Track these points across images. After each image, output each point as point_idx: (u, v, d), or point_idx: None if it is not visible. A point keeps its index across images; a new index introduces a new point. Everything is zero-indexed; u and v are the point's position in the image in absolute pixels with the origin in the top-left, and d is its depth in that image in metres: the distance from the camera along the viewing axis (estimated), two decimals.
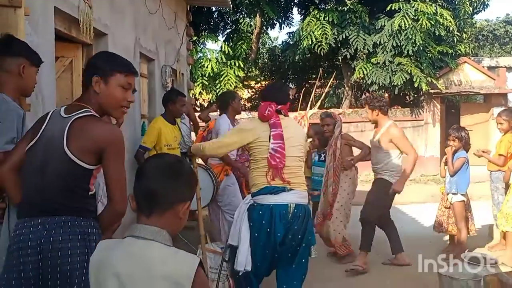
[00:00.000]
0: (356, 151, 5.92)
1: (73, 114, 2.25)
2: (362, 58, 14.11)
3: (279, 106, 3.68)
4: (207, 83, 13.31)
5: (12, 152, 2.32)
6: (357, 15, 13.69)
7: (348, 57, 14.08)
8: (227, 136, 3.87)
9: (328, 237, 5.50)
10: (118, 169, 2.26)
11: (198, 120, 6.78)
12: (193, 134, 6.82)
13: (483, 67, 15.22)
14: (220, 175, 5.35)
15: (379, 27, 13.39)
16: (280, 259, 3.60)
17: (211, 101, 13.60)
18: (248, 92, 19.21)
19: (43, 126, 2.26)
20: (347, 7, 13.81)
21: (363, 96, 16.71)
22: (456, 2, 14.17)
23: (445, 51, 13.79)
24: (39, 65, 2.74)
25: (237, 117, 5.85)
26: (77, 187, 2.23)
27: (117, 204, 2.26)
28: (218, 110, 6.42)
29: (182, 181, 1.72)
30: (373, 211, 5.28)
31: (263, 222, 3.52)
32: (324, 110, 7.12)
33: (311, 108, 11.80)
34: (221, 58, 13.49)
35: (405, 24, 12.65)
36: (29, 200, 2.22)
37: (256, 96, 19.09)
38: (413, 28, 12.64)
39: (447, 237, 5.97)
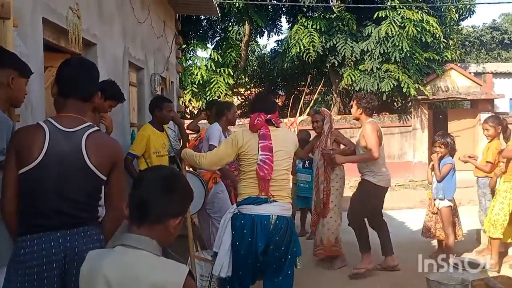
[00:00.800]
0: None
1: (79, 128, 2.30)
2: (350, 65, 14.22)
3: (269, 116, 3.74)
4: (197, 91, 13.35)
5: (8, 186, 2.25)
6: (344, 23, 13.81)
7: (336, 64, 14.18)
8: (220, 149, 3.87)
9: (319, 238, 5.51)
10: (122, 178, 2.45)
11: (188, 131, 6.77)
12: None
13: (470, 73, 15.43)
14: (209, 183, 5.36)
15: (366, 35, 13.53)
16: (265, 269, 3.65)
17: (201, 108, 13.62)
18: (238, 99, 19.26)
19: (46, 145, 2.22)
20: (335, 15, 13.94)
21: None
22: (442, 9, 14.34)
23: (431, 58, 13.95)
24: (29, 76, 2.74)
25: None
26: (94, 198, 2.36)
27: (121, 210, 2.36)
28: (207, 118, 6.46)
29: (176, 196, 1.74)
30: (358, 214, 5.31)
31: (245, 231, 3.58)
32: (314, 108, 7.19)
33: (300, 115, 11.88)
34: (211, 66, 13.54)
35: (392, 31, 12.79)
36: (43, 216, 2.21)
37: (246, 103, 19.15)
38: (400, 35, 12.78)
39: (435, 242, 6.02)
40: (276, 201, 3.63)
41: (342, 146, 5.84)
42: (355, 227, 5.36)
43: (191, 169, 5.49)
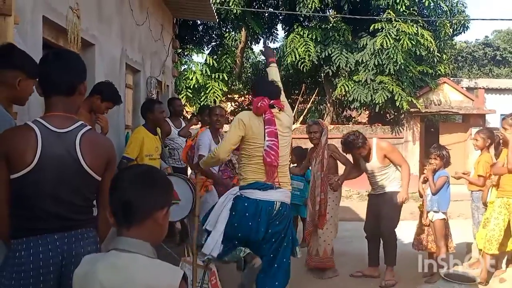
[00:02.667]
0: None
1: (72, 129, 2.23)
2: (344, 75, 14.28)
3: (272, 101, 3.74)
4: (191, 95, 13.32)
5: (0, 191, 2.17)
6: (340, 33, 13.88)
7: (331, 74, 14.24)
8: (230, 134, 3.78)
9: (314, 249, 5.48)
10: None
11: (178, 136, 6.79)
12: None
13: (462, 87, 15.56)
14: (201, 190, 5.33)
15: (361, 46, 13.59)
16: (262, 256, 3.66)
17: (194, 113, 13.58)
18: (232, 105, 19.25)
19: (39, 148, 2.13)
20: (331, 25, 14.01)
21: (344, 118, 16.92)
22: (437, 24, 14.48)
23: (425, 71, 14.06)
24: (37, 77, 2.70)
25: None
26: (90, 200, 2.31)
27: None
28: (200, 123, 6.47)
29: (158, 188, 1.72)
30: (393, 224, 5.42)
31: (247, 214, 3.60)
32: (312, 119, 7.18)
33: (293, 123, 11.86)
34: (206, 71, 13.53)
35: (387, 43, 12.87)
36: (40, 220, 2.16)
37: (239, 109, 19.13)
38: (394, 48, 12.87)
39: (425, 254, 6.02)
40: (280, 188, 3.66)
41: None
42: (389, 238, 5.43)
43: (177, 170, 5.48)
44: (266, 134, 3.63)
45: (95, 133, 2.44)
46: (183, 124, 6.92)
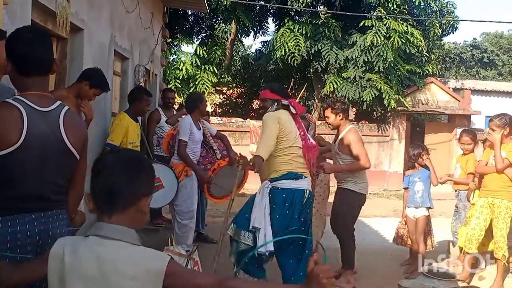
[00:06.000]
0: None
1: (54, 107, 2.21)
2: (333, 72, 14.30)
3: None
4: (180, 86, 13.26)
5: None
6: (330, 29, 13.88)
7: (320, 70, 14.25)
8: (266, 133, 3.96)
9: None
10: (86, 159, 2.39)
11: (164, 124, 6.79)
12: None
13: (449, 88, 15.70)
14: (181, 175, 5.32)
15: (351, 43, 13.62)
16: (290, 246, 3.94)
17: (182, 104, 13.54)
18: (220, 97, 19.20)
19: (25, 127, 2.07)
20: (321, 20, 14.02)
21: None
22: (426, 24, 14.57)
23: (413, 70, 14.14)
24: None
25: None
26: (68, 180, 2.30)
27: (82, 191, 2.40)
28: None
29: (143, 175, 1.68)
30: (345, 225, 5.08)
31: (286, 204, 3.88)
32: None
33: None
34: (195, 61, 13.47)
35: (377, 40, 12.91)
36: (22, 200, 2.13)
37: (227, 102, 19.09)
38: (384, 45, 12.92)
39: (407, 249, 6.08)
40: (306, 177, 4.00)
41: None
42: (343, 238, 5.11)
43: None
44: (298, 129, 4.13)
45: (73, 112, 2.38)
46: None
